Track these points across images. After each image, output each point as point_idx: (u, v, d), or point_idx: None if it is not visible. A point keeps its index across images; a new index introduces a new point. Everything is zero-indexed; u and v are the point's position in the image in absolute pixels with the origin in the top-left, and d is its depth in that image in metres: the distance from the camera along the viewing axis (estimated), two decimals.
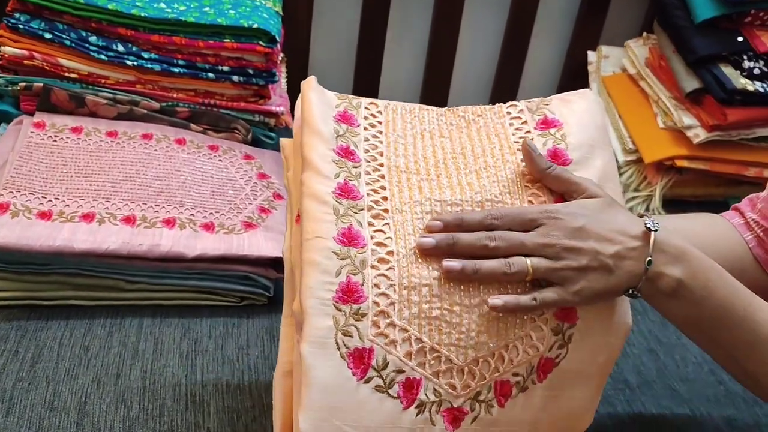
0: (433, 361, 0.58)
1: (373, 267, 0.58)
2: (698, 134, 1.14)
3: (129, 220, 0.81)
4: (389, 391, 0.57)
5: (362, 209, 0.60)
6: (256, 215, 0.88)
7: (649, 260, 0.58)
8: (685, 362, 0.87)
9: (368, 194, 0.61)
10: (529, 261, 0.58)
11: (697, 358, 0.87)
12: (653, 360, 0.86)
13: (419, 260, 0.59)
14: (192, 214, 0.85)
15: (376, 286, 0.58)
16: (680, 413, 0.79)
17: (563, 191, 0.62)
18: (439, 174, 0.63)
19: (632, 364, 0.85)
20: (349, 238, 0.58)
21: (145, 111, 0.97)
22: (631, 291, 0.60)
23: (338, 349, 0.56)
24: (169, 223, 0.82)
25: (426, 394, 0.57)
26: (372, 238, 0.59)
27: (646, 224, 0.59)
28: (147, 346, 0.77)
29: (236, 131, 1.01)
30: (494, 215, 0.60)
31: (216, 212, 0.86)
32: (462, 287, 0.59)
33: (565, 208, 0.60)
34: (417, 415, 0.57)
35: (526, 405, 0.60)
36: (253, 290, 0.84)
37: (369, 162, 0.63)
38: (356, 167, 0.62)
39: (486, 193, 0.62)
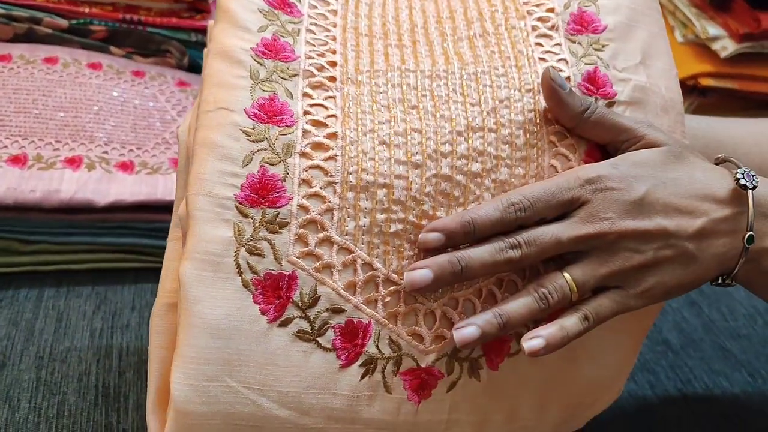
0: (389, 298, 0.40)
1: (303, 155, 0.40)
2: (726, 46, 0.97)
3: (17, 160, 0.62)
4: (319, 339, 0.39)
5: (296, 75, 0.42)
6: None
7: (750, 236, 0.41)
8: (734, 315, 0.70)
9: (308, 57, 0.43)
10: (568, 276, 0.40)
11: (747, 309, 0.71)
12: (696, 314, 0.70)
13: (377, 147, 0.41)
14: (105, 152, 0.66)
15: (306, 182, 0.39)
16: (737, 379, 0.63)
17: (608, 141, 0.44)
18: (416, 40, 0.45)
19: (672, 321, 0.69)
20: (270, 112, 0.40)
21: (49, 30, 0.78)
22: (722, 279, 0.43)
23: (240, 273, 0.38)
24: (74, 162, 0.64)
25: (378, 346, 0.40)
26: (306, 114, 0.41)
27: (737, 178, 0.41)
28: (47, 324, 0.58)
29: (168, 54, 0.83)
30: (517, 204, 0.40)
31: (137, 148, 0.67)
32: (439, 191, 0.41)
33: (614, 170, 0.41)
34: (363, 377, 0.40)
35: (531, 369, 0.43)
36: None
37: (315, 19, 0.44)
38: (294, 23, 0.43)
39: (482, 65, 0.44)
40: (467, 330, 0.40)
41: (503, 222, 0.40)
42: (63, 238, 0.63)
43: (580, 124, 0.43)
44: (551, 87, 0.42)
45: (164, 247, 0.64)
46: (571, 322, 0.40)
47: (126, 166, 0.65)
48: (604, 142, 0.44)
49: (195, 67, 0.85)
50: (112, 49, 0.80)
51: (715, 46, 0.98)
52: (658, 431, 0.57)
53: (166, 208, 0.64)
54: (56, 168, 0.63)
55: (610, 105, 0.45)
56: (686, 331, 0.67)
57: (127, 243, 0.64)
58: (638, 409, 0.58)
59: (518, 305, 0.40)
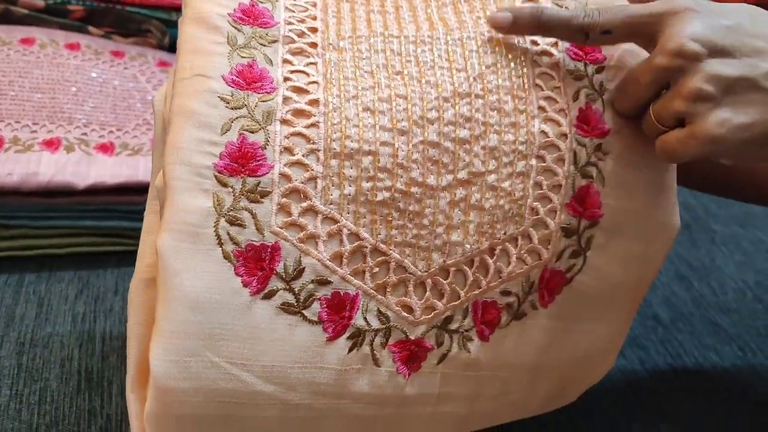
0: (377, 269, 0.39)
1: (284, 122, 0.38)
2: None
3: None
4: (304, 311, 0.38)
5: (275, 41, 0.40)
6: None
7: None
8: (724, 289, 0.70)
9: (287, 22, 0.41)
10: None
11: (737, 283, 0.71)
12: (686, 289, 0.70)
13: (361, 114, 0.39)
14: (84, 133, 0.64)
15: (288, 150, 0.38)
16: (727, 353, 0.63)
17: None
18: (399, 6, 0.44)
19: (662, 296, 0.68)
20: (249, 79, 0.39)
21: (26, 11, 0.76)
22: None
23: (220, 245, 0.36)
24: (52, 144, 0.62)
25: (366, 318, 0.39)
26: (287, 80, 0.39)
27: None
28: (28, 310, 0.57)
29: (148, 34, 0.81)
30: (589, 12, 0.42)
31: (118, 130, 0.66)
32: (427, 157, 0.40)
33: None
34: (350, 350, 0.38)
35: (522, 340, 0.43)
36: None
37: None
38: None
39: (467, 31, 0.43)
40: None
41: (570, 23, 0.41)
42: (43, 222, 0.61)
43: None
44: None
45: None
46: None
47: (106, 148, 0.64)
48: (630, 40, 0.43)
49: (176, 47, 0.83)
50: (91, 29, 0.78)
51: None
52: (648, 406, 0.56)
53: (147, 189, 0.62)
54: (34, 150, 0.61)
55: (600, 70, 0.44)
56: (676, 306, 0.67)
57: (109, 226, 0.63)
58: (629, 385, 0.58)
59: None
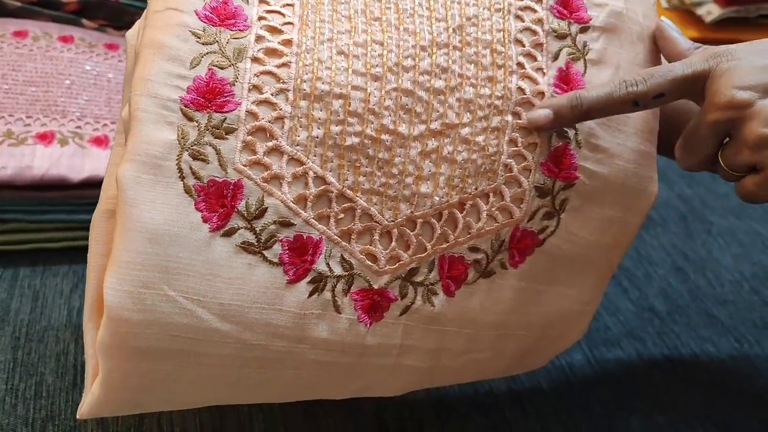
0: (342, 215, 0.38)
1: (255, 60, 0.38)
2: (711, 11, 0.96)
3: None
4: (265, 252, 0.37)
5: None
6: None
7: None
8: (721, 281, 0.70)
9: None
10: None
11: (733, 275, 0.71)
12: (682, 281, 0.70)
13: (334, 57, 0.39)
14: (78, 127, 0.64)
15: (257, 88, 0.37)
16: (724, 345, 0.63)
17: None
18: None
19: (658, 288, 0.68)
20: (223, 15, 0.38)
21: (19, 4, 0.76)
22: None
23: (182, 178, 0.36)
24: (45, 138, 0.62)
25: (328, 264, 0.38)
26: (261, 19, 0.39)
27: None
28: (23, 304, 0.57)
29: None
30: (629, 81, 0.41)
31: (112, 123, 0.66)
32: (400, 105, 0.39)
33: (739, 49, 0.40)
34: (311, 295, 0.38)
35: (490, 298, 0.42)
36: None
37: None
38: None
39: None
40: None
41: (613, 97, 0.40)
42: (37, 216, 0.61)
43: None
44: (662, 33, 0.45)
45: None
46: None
47: (100, 141, 0.64)
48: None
49: None
50: (84, 21, 0.78)
51: (700, 11, 0.97)
52: (645, 398, 0.56)
53: None
54: (27, 144, 0.61)
55: (584, 30, 0.44)
56: (672, 298, 0.67)
57: None
58: (626, 376, 0.58)
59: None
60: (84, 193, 0.62)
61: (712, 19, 0.96)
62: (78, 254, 0.62)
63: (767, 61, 0.39)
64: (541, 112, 0.41)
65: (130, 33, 0.42)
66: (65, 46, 0.72)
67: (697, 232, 0.76)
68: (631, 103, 0.40)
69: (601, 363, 0.59)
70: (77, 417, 0.39)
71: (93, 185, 0.61)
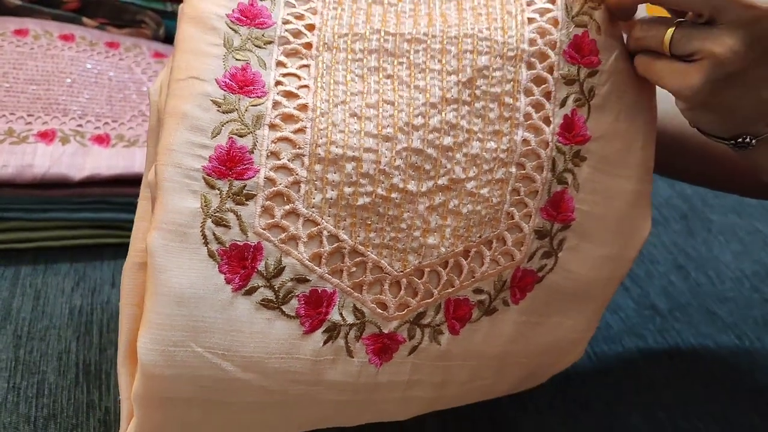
0: (354, 269, 0.40)
1: (272, 127, 0.39)
2: None
3: None
4: (283, 307, 0.39)
5: (270, 42, 0.41)
6: None
7: None
8: (721, 278, 0.70)
9: (285, 21, 0.41)
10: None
11: (734, 272, 0.71)
12: (683, 278, 0.70)
13: (348, 120, 0.40)
14: (80, 125, 0.64)
15: (274, 155, 0.39)
16: (724, 342, 0.63)
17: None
18: None
19: (659, 285, 0.68)
20: (242, 83, 0.39)
21: (19, 2, 0.76)
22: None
23: (206, 244, 0.38)
24: (47, 136, 0.62)
25: (341, 314, 0.40)
26: (278, 84, 0.40)
27: None
28: (24, 303, 0.57)
29: (143, 25, 0.80)
30: None
31: (113, 121, 0.66)
32: (409, 164, 0.40)
33: None
34: (325, 343, 0.40)
35: (492, 333, 0.44)
36: None
37: None
38: None
39: (466, 27, 0.43)
40: None
41: None
42: (38, 215, 0.61)
43: None
44: None
45: None
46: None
47: (102, 140, 0.63)
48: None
49: (172, 38, 0.82)
50: (85, 20, 0.78)
51: None
52: (646, 395, 0.57)
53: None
54: (29, 142, 0.61)
55: (592, 75, 0.44)
56: (673, 295, 0.67)
57: (105, 218, 0.62)
58: (627, 374, 0.58)
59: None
60: (85, 192, 0.61)
61: None
62: (79, 252, 0.62)
63: None
64: None
65: (153, 89, 0.44)
66: (66, 44, 0.72)
67: (697, 230, 0.76)
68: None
69: (603, 360, 0.59)
70: None
71: (94, 184, 0.61)
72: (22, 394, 0.50)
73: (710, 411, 0.56)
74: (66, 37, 0.73)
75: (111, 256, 0.62)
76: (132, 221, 0.62)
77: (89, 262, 0.61)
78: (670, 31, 0.41)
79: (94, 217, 0.62)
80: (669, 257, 0.72)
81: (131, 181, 0.62)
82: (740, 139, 0.43)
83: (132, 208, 0.62)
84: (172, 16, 0.83)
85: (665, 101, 0.47)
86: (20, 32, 0.72)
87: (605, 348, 0.60)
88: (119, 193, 0.62)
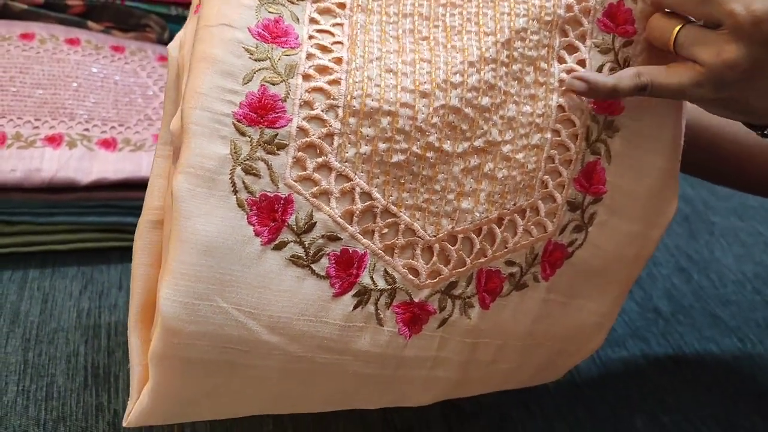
0: (386, 230, 0.39)
1: (305, 77, 0.38)
2: None
3: None
4: (313, 266, 0.38)
5: None
6: None
7: None
8: (723, 281, 0.71)
9: None
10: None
11: (736, 275, 0.71)
12: (686, 281, 0.70)
13: (383, 74, 0.39)
14: (86, 129, 0.64)
15: (308, 104, 0.38)
16: (727, 345, 0.63)
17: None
18: None
19: (662, 288, 0.69)
20: (274, 33, 0.38)
21: (25, 6, 0.76)
22: None
23: (235, 192, 0.36)
24: (54, 141, 0.62)
25: (372, 278, 0.39)
26: (312, 38, 0.39)
27: None
28: (32, 306, 0.57)
29: (148, 29, 0.80)
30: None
31: (120, 125, 0.66)
32: (446, 123, 0.40)
33: None
34: (355, 308, 0.39)
35: (520, 310, 0.43)
36: None
37: None
38: None
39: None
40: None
41: (621, 87, 0.41)
42: (46, 219, 0.61)
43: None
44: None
45: None
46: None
47: (108, 144, 0.64)
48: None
49: None
50: (90, 24, 0.78)
51: None
52: (650, 397, 0.57)
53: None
54: (36, 146, 0.61)
55: (627, 44, 0.44)
56: (676, 299, 0.68)
57: (112, 222, 0.63)
58: (631, 377, 0.59)
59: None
60: (92, 196, 0.62)
61: None
62: (86, 256, 0.62)
63: None
64: (579, 83, 0.41)
65: (172, 45, 0.43)
66: (72, 48, 0.72)
67: (700, 233, 0.77)
68: (637, 90, 0.41)
69: (606, 363, 0.59)
70: (123, 425, 0.39)
71: (101, 188, 0.62)
72: (32, 397, 0.50)
73: (713, 413, 0.56)
74: (72, 41, 0.73)
75: (118, 259, 0.63)
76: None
77: (96, 266, 0.62)
78: (676, 30, 0.40)
79: (101, 221, 0.62)
80: (671, 260, 0.72)
81: (138, 185, 0.62)
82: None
83: (139, 211, 0.62)
84: (177, 20, 0.83)
85: None
86: (26, 36, 0.72)
87: (609, 351, 0.60)
88: (126, 197, 0.63)
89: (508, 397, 0.55)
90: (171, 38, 0.80)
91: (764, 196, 0.57)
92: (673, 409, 0.56)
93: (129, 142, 0.65)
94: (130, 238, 0.62)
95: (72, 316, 0.57)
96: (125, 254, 0.63)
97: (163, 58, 0.77)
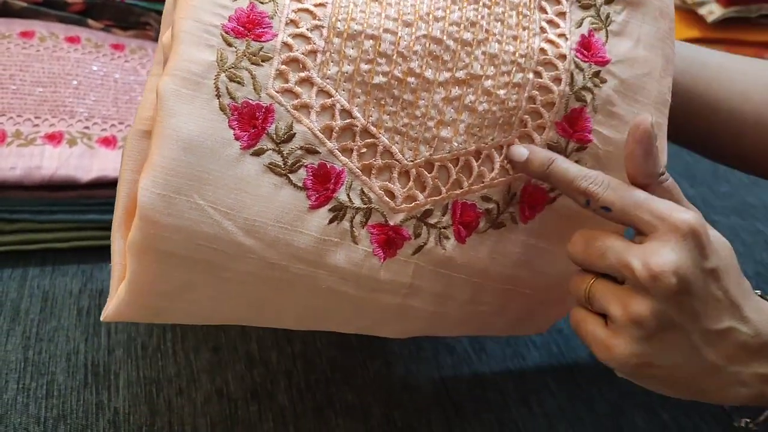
0: (365, 150, 0.41)
1: None
2: (713, 11, 0.96)
3: None
4: (290, 176, 0.39)
5: None
6: None
7: None
8: None
9: None
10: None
11: None
12: None
13: (369, 2, 0.41)
14: (86, 127, 0.64)
15: (293, 23, 0.40)
16: None
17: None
18: None
19: None
20: None
21: (24, 4, 0.76)
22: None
23: (218, 96, 0.38)
24: (54, 138, 0.62)
25: (349, 195, 0.40)
26: None
27: None
28: (32, 304, 0.57)
29: (148, 27, 0.81)
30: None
31: (119, 123, 0.66)
32: (428, 51, 0.41)
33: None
34: (331, 222, 0.40)
35: (499, 250, 0.44)
36: None
37: None
38: None
39: None
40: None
41: (572, 184, 0.41)
42: (46, 216, 0.61)
43: (651, 186, 0.40)
44: (645, 139, 0.40)
45: None
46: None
47: (108, 142, 0.64)
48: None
49: None
50: (90, 22, 0.78)
51: (702, 10, 0.97)
52: (650, 396, 0.57)
53: None
54: (36, 144, 0.61)
55: (608, 2, 0.45)
56: None
57: (112, 220, 0.62)
58: None
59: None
60: (93, 194, 0.62)
61: (713, 18, 0.96)
62: (86, 254, 0.62)
63: (710, 266, 0.38)
64: (520, 151, 0.42)
65: None
66: (72, 46, 0.72)
67: None
68: (584, 198, 0.41)
69: None
70: (101, 319, 0.41)
71: (101, 185, 0.61)
72: (32, 395, 0.50)
73: (712, 410, 0.56)
74: (72, 39, 0.73)
75: None
76: None
77: (96, 264, 0.62)
78: (589, 284, 0.40)
79: (101, 219, 0.62)
80: None
81: None
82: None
83: None
84: None
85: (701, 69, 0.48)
86: (26, 34, 0.72)
87: None
88: None
89: (508, 396, 0.55)
90: None
91: (758, 174, 0.56)
92: (673, 406, 0.56)
93: None
94: None
95: (72, 314, 0.57)
96: None
97: None
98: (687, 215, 0.38)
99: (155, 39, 0.80)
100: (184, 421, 0.49)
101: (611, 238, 0.40)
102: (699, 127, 0.53)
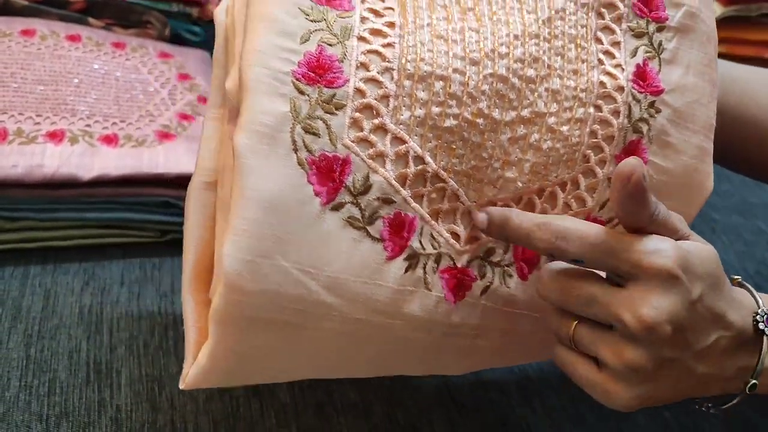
0: (434, 195, 0.40)
1: (361, 39, 0.39)
2: (713, 9, 0.96)
3: None
4: (369, 228, 0.38)
5: None
6: (174, 123, 0.67)
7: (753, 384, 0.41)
8: None
9: None
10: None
11: (738, 272, 0.71)
12: None
13: (435, 40, 0.40)
14: (88, 125, 0.64)
15: (364, 66, 0.38)
16: None
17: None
18: None
19: None
20: None
21: (26, 2, 0.77)
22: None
23: (295, 150, 0.36)
24: (56, 136, 0.62)
25: (421, 242, 0.40)
26: (364, 2, 0.40)
27: (756, 319, 0.40)
28: (34, 302, 0.57)
29: (149, 25, 0.81)
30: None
31: (121, 121, 0.66)
32: (495, 91, 0.40)
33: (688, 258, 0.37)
34: (406, 271, 0.39)
35: None
36: (177, 219, 0.63)
37: None
38: None
39: None
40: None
41: (531, 236, 0.39)
42: (48, 215, 0.61)
43: (650, 225, 0.39)
44: (640, 193, 0.37)
45: (151, 222, 0.64)
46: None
47: (110, 140, 0.64)
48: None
49: (176, 39, 0.83)
50: (91, 20, 0.78)
51: None
52: None
53: (151, 181, 0.63)
54: (38, 142, 0.61)
55: (660, 30, 0.45)
56: None
57: (114, 218, 0.62)
58: None
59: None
60: (94, 192, 0.62)
61: (714, 17, 0.96)
62: (88, 252, 0.62)
63: (693, 297, 0.37)
64: (480, 216, 0.41)
65: (220, 9, 0.44)
66: (73, 44, 0.72)
67: (701, 230, 0.76)
68: (548, 253, 0.39)
69: None
70: (180, 387, 0.39)
71: (103, 184, 0.61)
72: (34, 393, 0.50)
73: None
74: (73, 38, 0.73)
75: (119, 255, 0.63)
76: (139, 220, 0.63)
77: (98, 262, 0.62)
78: (572, 327, 0.39)
79: (102, 217, 0.62)
80: None
81: (139, 181, 0.62)
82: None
83: (140, 207, 0.63)
84: (177, 17, 0.83)
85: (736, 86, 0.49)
86: (27, 32, 0.72)
87: None
88: (127, 194, 0.62)
89: (511, 394, 0.55)
90: (172, 35, 0.81)
91: None
92: (674, 404, 0.56)
93: (130, 138, 0.64)
94: (131, 234, 0.63)
95: (74, 312, 0.57)
96: (127, 250, 0.63)
97: (164, 55, 0.77)
98: (661, 259, 0.36)
99: (156, 38, 0.80)
100: (186, 418, 0.49)
101: (591, 282, 0.38)
102: (730, 142, 0.53)
